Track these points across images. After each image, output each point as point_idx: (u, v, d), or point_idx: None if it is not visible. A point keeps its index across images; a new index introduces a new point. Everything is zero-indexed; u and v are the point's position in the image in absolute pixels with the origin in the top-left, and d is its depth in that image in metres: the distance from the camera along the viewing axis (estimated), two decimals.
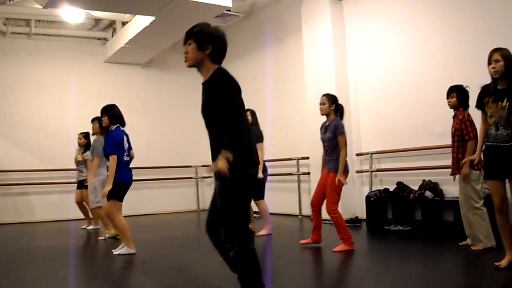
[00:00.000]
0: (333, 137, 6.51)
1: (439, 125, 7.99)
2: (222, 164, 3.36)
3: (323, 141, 6.68)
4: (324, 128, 6.69)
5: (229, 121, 3.52)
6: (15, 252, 7.61)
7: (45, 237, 9.54)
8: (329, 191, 6.47)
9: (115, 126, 6.91)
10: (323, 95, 6.75)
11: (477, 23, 7.85)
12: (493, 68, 4.84)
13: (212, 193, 3.71)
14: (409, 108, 8.87)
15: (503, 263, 4.83)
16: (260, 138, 8.16)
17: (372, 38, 9.74)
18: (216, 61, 3.73)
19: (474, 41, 7.81)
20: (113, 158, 6.67)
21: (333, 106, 6.65)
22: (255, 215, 8.64)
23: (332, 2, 10.03)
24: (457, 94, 6.25)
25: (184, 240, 8.32)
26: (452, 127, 6.25)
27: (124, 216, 6.84)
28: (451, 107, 6.36)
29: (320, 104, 6.69)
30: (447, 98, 6.36)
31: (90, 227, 10.07)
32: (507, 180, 4.87)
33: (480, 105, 5.09)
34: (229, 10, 11.11)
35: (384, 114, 9.41)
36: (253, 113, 8.27)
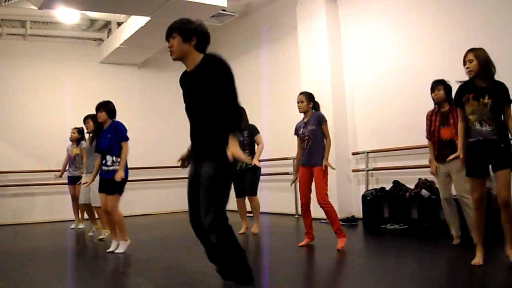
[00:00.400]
0: (317, 128, 6.64)
1: None
2: (238, 150, 3.69)
3: (304, 135, 6.67)
4: (304, 124, 6.74)
5: (232, 102, 3.77)
6: (12, 253, 7.60)
7: (42, 238, 9.52)
8: (320, 184, 6.50)
9: (111, 120, 7.02)
10: (301, 93, 6.87)
11: (472, 22, 7.88)
12: (467, 68, 4.96)
13: (189, 184, 3.95)
14: (405, 106, 8.89)
15: (480, 260, 4.89)
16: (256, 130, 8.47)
17: (367, 37, 9.76)
18: (202, 50, 3.93)
19: (468, 40, 7.80)
20: (127, 144, 6.86)
21: (311, 104, 6.78)
22: (248, 214, 8.64)
23: (327, 2, 10.05)
24: (444, 87, 6.36)
25: (180, 240, 8.31)
26: (449, 123, 6.28)
27: (127, 216, 6.97)
28: (437, 100, 6.45)
29: (298, 102, 6.78)
30: (433, 91, 6.47)
31: (81, 226, 10.17)
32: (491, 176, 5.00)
33: (459, 102, 5.14)
34: (224, 10, 11.12)
35: (380, 113, 9.43)
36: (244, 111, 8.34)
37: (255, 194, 8.35)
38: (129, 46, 12.27)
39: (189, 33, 3.89)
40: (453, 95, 5.82)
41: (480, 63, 4.89)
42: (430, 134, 6.44)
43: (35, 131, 12.44)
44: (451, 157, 5.51)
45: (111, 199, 6.79)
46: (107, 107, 6.97)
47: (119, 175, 6.64)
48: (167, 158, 13.11)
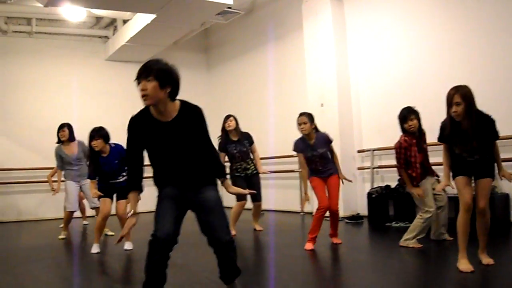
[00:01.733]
0: (327, 149, 6.67)
1: (440, 122, 7.97)
2: (237, 189, 4.11)
3: (315, 157, 6.60)
4: (310, 147, 6.61)
5: (212, 147, 3.88)
6: (18, 250, 7.63)
7: (47, 235, 9.54)
8: (337, 191, 6.68)
9: (108, 145, 7.02)
10: (302, 114, 6.69)
11: (481, 21, 7.85)
12: (454, 112, 4.81)
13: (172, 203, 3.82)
14: (411, 104, 8.82)
15: (468, 267, 4.79)
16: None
17: (373, 35, 9.74)
18: (174, 99, 3.72)
19: (475, 40, 7.81)
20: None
21: (313, 125, 6.65)
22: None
23: (333, 0, 10.03)
24: (416, 116, 6.52)
25: (184, 237, 8.27)
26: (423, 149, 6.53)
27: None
28: (412, 130, 6.47)
29: (301, 123, 6.60)
30: (406, 122, 6.52)
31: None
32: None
33: (445, 140, 5.11)
34: (230, 8, 11.10)
35: (385, 111, 9.41)
36: (235, 119, 8.39)
37: (261, 200, 8.49)
38: (135, 44, 12.28)
39: (166, 80, 3.63)
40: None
41: (467, 105, 4.77)
42: (411, 164, 6.41)
43: (40, 129, 12.44)
44: (442, 187, 5.38)
45: (125, 203, 6.92)
46: (102, 134, 6.90)
47: None
48: None
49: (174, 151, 3.71)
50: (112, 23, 13.60)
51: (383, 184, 9.09)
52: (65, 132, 8.61)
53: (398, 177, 8.54)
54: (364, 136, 9.95)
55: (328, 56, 10.01)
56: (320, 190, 6.61)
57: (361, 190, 9.80)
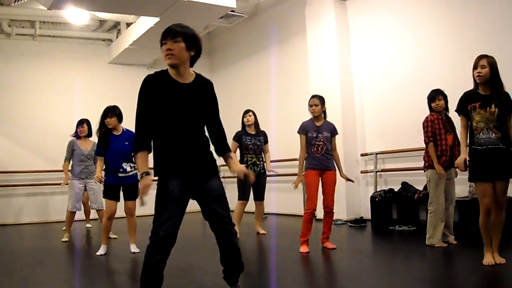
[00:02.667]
0: (330, 137, 6.64)
1: None
2: (244, 167, 3.94)
3: (319, 140, 6.58)
4: (316, 127, 6.62)
5: (220, 123, 3.95)
6: (20, 253, 7.63)
7: (50, 237, 9.56)
8: (333, 189, 6.58)
9: (121, 125, 7.04)
10: (314, 97, 6.73)
11: (482, 23, 7.87)
12: (478, 73, 4.93)
13: (179, 195, 3.68)
14: (414, 108, 8.86)
15: (491, 260, 4.98)
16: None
17: (376, 38, 9.74)
18: (193, 64, 3.82)
19: (479, 41, 7.80)
20: None
21: (324, 107, 6.69)
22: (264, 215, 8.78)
23: (336, 3, 10.04)
24: (444, 97, 6.59)
25: (188, 240, 8.32)
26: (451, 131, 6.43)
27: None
28: (438, 110, 6.55)
29: (313, 105, 6.63)
30: (434, 101, 6.61)
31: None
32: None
33: (463, 111, 5.17)
34: (233, 11, 11.13)
35: (388, 114, 9.41)
36: (254, 114, 8.45)
37: (263, 199, 8.54)
38: (138, 47, 12.30)
39: (193, 43, 3.70)
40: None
41: (493, 71, 4.92)
42: (438, 143, 6.44)
43: (43, 131, 12.49)
44: (460, 161, 5.35)
45: (134, 203, 6.95)
46: (116, 112, 6.95)
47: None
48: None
49: (189, 115, 3.70)
50: (116, 26, 13.63)
51: (387, 188, 9.08)
52: (85, 128, 8.73)
53: (402, 182, 8.59)
54: (367, 140, 9.94)
55: (331, 59, 10.01)
56: (313, 189, 6.51)
57: (365, 194, 9.78)
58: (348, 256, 6.28)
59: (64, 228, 9.01)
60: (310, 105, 6.66)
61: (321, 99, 6.69)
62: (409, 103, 8.95)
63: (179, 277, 5.39)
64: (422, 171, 8.52)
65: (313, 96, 6.75)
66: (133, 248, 7.04)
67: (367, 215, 9.32)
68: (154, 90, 3.63)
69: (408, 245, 7.01)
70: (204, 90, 3.82)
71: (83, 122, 8.79)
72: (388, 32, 9.50)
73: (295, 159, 10.99)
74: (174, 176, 3.64)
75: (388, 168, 9.43)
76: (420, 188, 8.28)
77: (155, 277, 3.68)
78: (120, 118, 6.98)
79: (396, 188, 8.84)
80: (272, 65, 12.18)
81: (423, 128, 6.52)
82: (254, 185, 8.01)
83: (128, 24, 12.73)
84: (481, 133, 4.99)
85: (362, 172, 9.92)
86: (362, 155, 9.92)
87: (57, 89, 12.94)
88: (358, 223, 9.14)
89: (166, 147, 3.67)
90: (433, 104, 6.56)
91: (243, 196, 8.15)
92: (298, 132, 6.74)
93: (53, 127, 12.50)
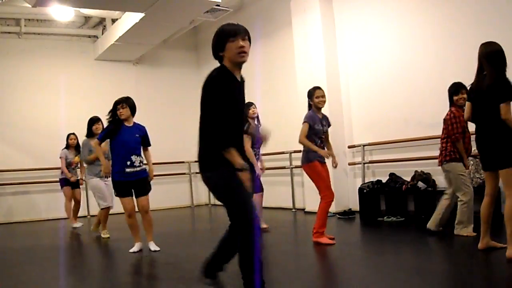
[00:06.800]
0: (327, 129, 6.69)
1: (430, 116, 8.04)
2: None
3: (323, 133, 6.59)
4: (320, 121, 6.58)
5: None
6: (10, 251, 7.61)
7: (39, 236, 9.53)
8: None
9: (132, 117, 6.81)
10: (320, 88, 6.68)
11: (468, 14, 7.90)
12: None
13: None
14: (400, 99, 8.91)
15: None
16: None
17: (362, 30, 9.76)
18: None
19: (464, 33, 7.85)
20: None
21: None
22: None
23: None
24: (466, 91, 6.26)
25: (178, 236, 8.34)
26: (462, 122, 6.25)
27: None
28: (462, 103, 6.21)
29: (320, 96, 6.58)
30: (457, 94, 6.30)
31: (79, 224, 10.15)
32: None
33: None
34: (218, 5, 11.10)
35: (375, 106, 9.45)
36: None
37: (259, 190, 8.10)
38: (124, 43, 12.25)
39: (250, 43, 3.91)
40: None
41: None
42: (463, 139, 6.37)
43: (30, 129, 12.43)
44: None
45: (147, 198, 6.76)
46: (130, 103, 6.69)
47: (153, 174, 6.83)
48: (164, 154, 13.17)
49: (241, 111, 3.88)
50: (101, 22, 13.57)
51: (374, 179, 9.12)
52: (100, 125, 8.47)
53: (389, 173, 8.63)
54: (355, 132, 9.97)
55: (318, 52, 10.03)
56: (328, 179, 6.57)
57: (353, 186, 9.83)
58: (338, 248, 6.31)
59: (92, 227, 8.94)
60: (317, 96, 6.57)
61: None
62: (396, 94, 9.00)
63: (168, 272, 5.41)
64: (409, 162, 8.63)
65: (318, 88, 6.68)
66: (152, 247, 6.69)
67: (356, 206, 9.36)
68: (227, 87, 3.67)
69: (397, 235, 7.07)
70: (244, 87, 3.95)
71: (98, 120, 8.54)
72: (374, 24, 9.53)
73: (283, 153, 11.10)
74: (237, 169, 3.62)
75: (376, 159, 9.48)
76: (408, 179, 8.33)
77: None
78: (133, 110, 6.72)
79: (384, 179, 8.89)
80: (259, 59, 12.15)
81: (449, 124, 6.29)
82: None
83: (114, 20, 12.68)
84: None
85: (349, 164, 9.96)
86: (349, 147, 9.95)
87: (43, 87, 12.86)
88: (346, 215, 9.18)
89: (229, 140, 3.62)
90: (455, 97, 6.32)
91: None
92: (306, 121, 6.52)
93: (39, 124, 12.46)
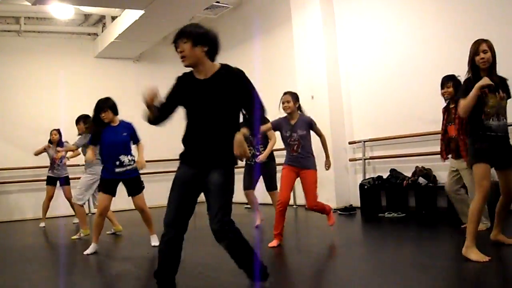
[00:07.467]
0: (307, 133, 6.36)
1: (431, 111, 8.01)
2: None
3: (293, 139, 6.33)
4: (290, 126, 6.37)
5: (254, 105, 3.93)
6: (7, 250, 7.62)
7: (34, 234, 9.51)
8: (313, 188, 6.33)
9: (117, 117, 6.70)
10: (286, 93, 6.50)
11: (468, 12, 7.89)
12: (482, 58, 4.80)
13: (181, 185, 3.84)
14: (401, 95, 8.90)
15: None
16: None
17: (362, 27, 9.74)
18: (212, 59, 3.90)
19: (464, 30, 7.83)
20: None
21: (297, 104, 6.45)
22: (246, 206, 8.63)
23: None
24: (453, 84, 6.23)
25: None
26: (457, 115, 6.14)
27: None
28: (447, 97, 6.29)
29: (285, 102, 6.40)
30: (442, 88, 6.29)
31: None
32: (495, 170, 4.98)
33: (466, 95, 5.01)
34: (218, 2, 11.11)
35: (376, 102, 9.44)
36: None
37: (276, 188, 7.94)
38: (124, 40, 12.25)
39: (200, 39, 3.77)
40: None
41: (493, 55, 4.81)
42: (442, 131, 6.38)
43: (30, 127, 12.41)
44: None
45: (141, 197, 6.71)
46: (109, 104, 6.59)
47: (143, 163, 6.56)
48: (163, 151, 13.16)
49: (204, 109, 3.82)
50: (101, 20, 13.55)
51: (375, 175, 9.12)
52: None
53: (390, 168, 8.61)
54: (355, 128, 9.96)
55: (318, 48, 10.01)
56: (285, 182, 6.34)
57: (353, 182, 9.82)
58: (338, 244, 6.30)
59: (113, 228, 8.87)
60: (282, 102, 6.45)
61: (294, 95, 6.47)
62: (397, 90, 8.98)
63: None
64: (410, 157, 8.62)
65: (284, 93, 6.52)
66: (153, 241, 6.71)
67: (356, 202, 9.35)
68: (176, 87, 4.03)
69: (398, 231, 7.06)
70: (226, 81, 3.85)
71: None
72: (374, 19, 9.51)
73: (282, 149, 11.03)
74: (185, 165, 3.89)
75: (376, 155, 9.47)
76: (409, 175, 8.33)
77: (165, 256, 4.08)
78: (114, 110, 6.62)
79: (385, 175, 8.88)
80: (258, 55, 12.13)
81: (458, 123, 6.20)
82: (264, 174, 7.94)
83: (113, 18, 12.66)
84: (491, 119, 4.82)
85: (350, 160, 9.95)
86: (350, 143, 9.94)
87: (43, 85, 12.88)
88: (347, 211, 9.17)
89: (186, 138, 3.95)
90: (441, 91, 6.33)
91: (247, 186, 8.01)
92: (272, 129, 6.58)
93: (39, 122, 12.44)
